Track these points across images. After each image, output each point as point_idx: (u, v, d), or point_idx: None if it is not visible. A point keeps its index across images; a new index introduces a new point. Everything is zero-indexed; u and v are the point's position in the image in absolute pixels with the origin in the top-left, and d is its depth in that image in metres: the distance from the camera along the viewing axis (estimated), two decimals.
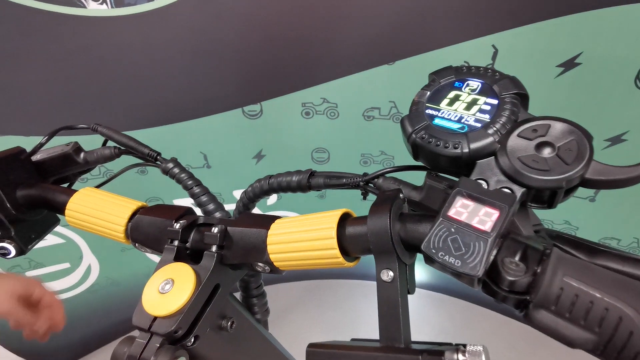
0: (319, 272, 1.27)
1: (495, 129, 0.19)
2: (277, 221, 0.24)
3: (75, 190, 0.31)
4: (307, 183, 0.27)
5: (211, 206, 0.30)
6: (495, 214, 0.17)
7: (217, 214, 0.30)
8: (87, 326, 1.10)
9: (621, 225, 0.79)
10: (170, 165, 0.32)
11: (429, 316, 1.18)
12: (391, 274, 0.19)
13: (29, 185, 0.32)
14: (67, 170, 0.34)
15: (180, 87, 0.75)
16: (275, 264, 0.23)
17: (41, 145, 0.33)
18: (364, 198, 0.26)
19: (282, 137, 0.85)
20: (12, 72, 0.67)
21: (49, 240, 0.91)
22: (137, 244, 0.27)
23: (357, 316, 1.19)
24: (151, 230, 0.26)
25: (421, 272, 1.19)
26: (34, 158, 0.33)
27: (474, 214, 0.17)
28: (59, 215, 0.34)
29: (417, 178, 0.25)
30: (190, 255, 0.25)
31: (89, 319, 1.09)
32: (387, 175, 0.25)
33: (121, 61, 0.69)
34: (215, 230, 0.24)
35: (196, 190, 0.31)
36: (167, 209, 0.27)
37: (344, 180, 0.26)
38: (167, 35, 0.68)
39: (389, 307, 0.19)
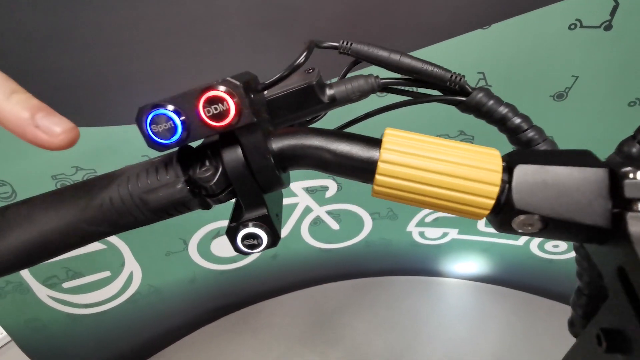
0: (369, 269, 1.18)
1: None
2: None
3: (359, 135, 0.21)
4: None
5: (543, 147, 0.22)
6: None
7: None
8: (126, 340, 1.00)
9: None
10: (482, 96, 0.23)
11: (492, 311, 1.10)
12: None
13: (281, 133, 0.21)
14: (300, 113, 0.23)
15: (242, 63, 0.66)
16: None
17: (296, 68, 0.22)
18: None
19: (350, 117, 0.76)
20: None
21: (89, 246, 0.81)
22: (530, 217, 0.18)
23: (415, 315, 1.10)
24: (570, 192, 0.17)
25: (478, 263, 1.11)
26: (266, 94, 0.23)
27: None
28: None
29: None
30: None
31: (128, 333, 0.99)
32: None
33: (181, 34, 0.60)
34: None
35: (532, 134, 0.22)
36: (558, 155, 0.18)
37: None
38: (234, 1, 0.59)
39: None
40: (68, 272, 0.82)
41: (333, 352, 1.03)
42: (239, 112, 0.19)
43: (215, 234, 0.91)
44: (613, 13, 0.58)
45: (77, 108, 0.65)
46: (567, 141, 0.75)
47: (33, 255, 0.21)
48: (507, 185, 0.18)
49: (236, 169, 0.20)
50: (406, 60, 0.24)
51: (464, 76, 0.24)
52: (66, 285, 0.84)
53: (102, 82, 0.62)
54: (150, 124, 0.19)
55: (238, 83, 0.18)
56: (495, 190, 0.18)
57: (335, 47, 0.25)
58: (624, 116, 0.69)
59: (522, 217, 0.18)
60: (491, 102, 0.23)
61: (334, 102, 0.24)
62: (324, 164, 0.21)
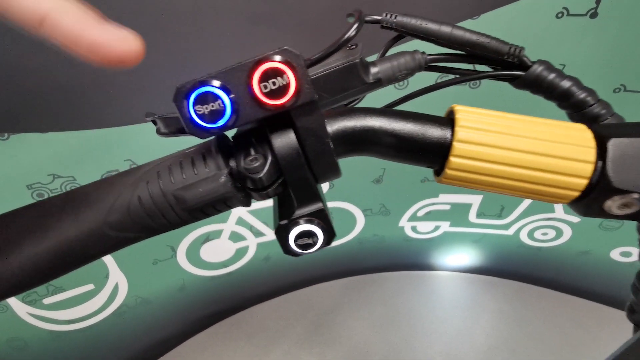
0: (362, 266, 1.18)
1: None
2: None
3: (430, 115, 0.18)
4: None
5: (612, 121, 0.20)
6: None
7: None
8: (114, 355, 0.96)
9: None
10: (543, 70, 0.21)
11: (484, 301, 1.11)
12: None
13: (333, 114, 0.18)
14: (341, 95, 0.20)
15: (231, 60, 0.63)
16: None
17: (345, 42, 0.19)
18: None
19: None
20: None
21: None
22: (628, 197, 0.16)
23: (411, 310, 1.10)
24: None
25: (470, 255, 1.12)
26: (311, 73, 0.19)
27: None
28: None
29: None
30: None
31: (116, 347, 0.95)
32: None
33: (165, 30, 0.57)
34: None
35: (594, 103, 0.21)
36: None
37: None
38: None
39: None
40: (48, 287, 0.78)
41: (331, 352, 1.01)
42: (299, 88, 0.16)
43: (205, 238, 0.88)
44: (598, 1, 0.58)
45: (51, 111, 0.61)
46: None
47: (49, 269, 0.17)
48: (600, 163, 0.17)
49: (290, 157, 0.17)
50: (459, 33, 0.22)
51: (523, 48, 0.22)
52: (47, 301, 0.79)
53: (78, 83, 0.58)
54: (194, 105, 0.16)
55: (298, 53, 0.16)
56: (589, 169, 0.17)
57: (377, 22, 0.22)
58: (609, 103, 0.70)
59: (617, 197, 0.16)
60: (553, 75, 0.22)
61: (379, 82, 0.21)
62: (386, 148, 0.19)
